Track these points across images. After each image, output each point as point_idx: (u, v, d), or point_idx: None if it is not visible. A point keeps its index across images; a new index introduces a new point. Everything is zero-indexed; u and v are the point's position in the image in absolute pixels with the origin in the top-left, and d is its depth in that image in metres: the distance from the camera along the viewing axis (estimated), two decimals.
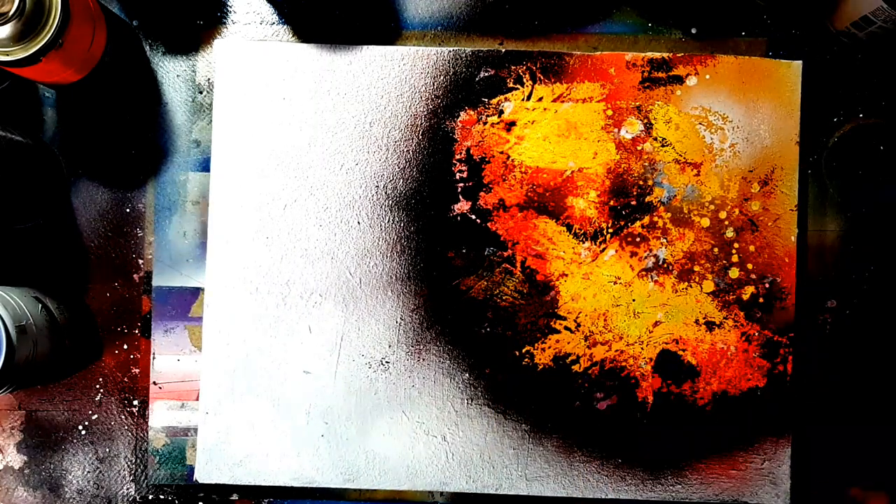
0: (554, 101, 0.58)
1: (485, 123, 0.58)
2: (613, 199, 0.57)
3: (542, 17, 0.59)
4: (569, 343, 0.57)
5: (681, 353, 0.57)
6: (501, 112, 0.58)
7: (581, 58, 0.58)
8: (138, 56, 0.59)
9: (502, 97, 0.58)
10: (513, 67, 0.58)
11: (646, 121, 0.58)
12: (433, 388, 0.57)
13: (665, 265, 0.57)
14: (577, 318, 0.57)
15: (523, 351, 0.57)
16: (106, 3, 0.58)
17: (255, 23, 0.59)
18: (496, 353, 0.57)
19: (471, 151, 0.58)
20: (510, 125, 0.58)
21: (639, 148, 0.58)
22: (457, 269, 0.57)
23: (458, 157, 0.58)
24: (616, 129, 0.58)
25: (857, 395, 0.58)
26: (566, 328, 0.57)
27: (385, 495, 0.58)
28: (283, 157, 0.58)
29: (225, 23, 0.59)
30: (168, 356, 0.58)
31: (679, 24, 0.58)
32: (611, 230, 0.57)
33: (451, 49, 0.58)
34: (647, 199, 0.57)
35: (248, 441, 0.57)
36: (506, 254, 0.57)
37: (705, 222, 0.57)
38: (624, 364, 0.57)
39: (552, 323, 0.57)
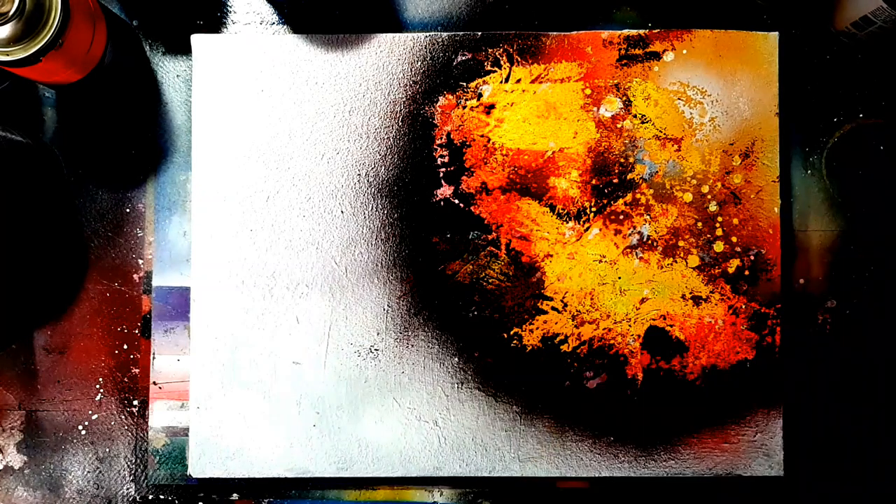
0: (532, 82, 0.58)
1: (464, 107, 0.58)
2: (595, 177, 0.57)
3: (542, 17, 0.59)
4: (556, 323, 0.57)
5: (668, 328, 0.57)
6: (480, 95, 0.58)
7: (557, 38, 0.58)
8: (138, 56, 0.59)
9: (480, 80, 0.58)
10: (490, 50, 0.58)
11: (624, 98, 0.57)
12: (423, 374, 0.57)
13: (649, 241, 0.57)
14: (563, 297, 0.57)
15: (511, 333, 0.57)
16: (106, 3, 0.58)
17: (255, 23, 0.59)
18: (484, 336, 0.57)
19: (451, 136, 0.58)
20: (489, 108, 0.58)
21: (619, 126, 0.57)
22: (442, 253, 0.57)
23: (438, 141, 0.58)
24: (595, 108, 0.58)
25: (857, 394, 0.58)
26: (553, 308, 0.57)
27: (385, 496, 0.58)
28: (263, 148, 0.58)
29: (225, 23, 0.59)
30: (168, 356, 0.58)
31: (679, 25, 0.58)
32: (594, 209, 0.57)
33: (428, 34, 0.58)
34: (629, 176, 0.57)
35: (240, 434, 0.57)
36: (490, 237, 0.57)
37: (688, 197, 0.57)
38: (612, 342, 0.57)
39: (539, 304, 0.57)
